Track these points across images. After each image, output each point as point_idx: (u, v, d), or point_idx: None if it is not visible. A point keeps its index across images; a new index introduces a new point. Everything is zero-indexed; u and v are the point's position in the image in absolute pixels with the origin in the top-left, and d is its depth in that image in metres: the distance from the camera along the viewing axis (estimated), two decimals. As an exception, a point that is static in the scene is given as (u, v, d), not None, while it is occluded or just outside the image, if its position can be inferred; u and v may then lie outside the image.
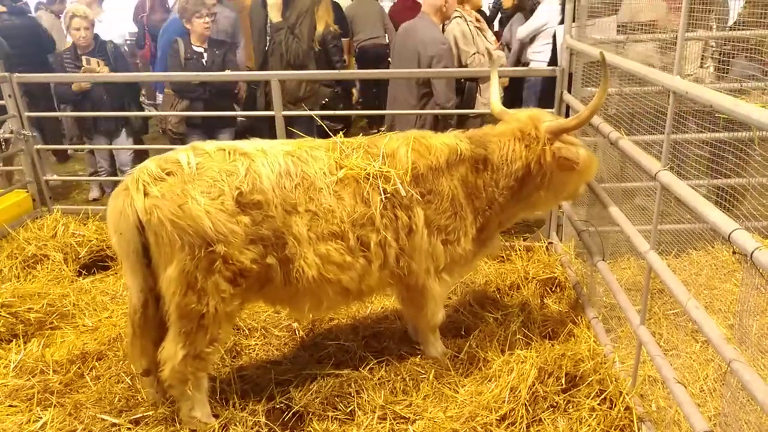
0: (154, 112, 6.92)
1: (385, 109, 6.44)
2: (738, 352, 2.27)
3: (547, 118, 3.53)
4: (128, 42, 10.26)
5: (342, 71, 6.73)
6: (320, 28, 6.62)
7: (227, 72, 6.42)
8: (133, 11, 9.85)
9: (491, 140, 3.48)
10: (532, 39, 8.10)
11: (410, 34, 5.66)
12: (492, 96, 3.84)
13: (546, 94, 7.92)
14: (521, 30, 8.12)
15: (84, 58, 6.63)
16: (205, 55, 6.63)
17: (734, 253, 4.41)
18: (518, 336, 3.83)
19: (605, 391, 3.19)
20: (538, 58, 8.04)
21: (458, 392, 3.42)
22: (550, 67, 5.05)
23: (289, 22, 6.43)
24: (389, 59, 8.19)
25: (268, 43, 6.68)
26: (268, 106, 6.54)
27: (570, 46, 4.66)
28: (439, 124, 5.52)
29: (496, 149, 3.45)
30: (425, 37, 5.47)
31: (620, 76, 3.89)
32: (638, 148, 3.26)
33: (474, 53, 5.80)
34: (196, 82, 6.38)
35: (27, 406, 3.46)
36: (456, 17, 5.88)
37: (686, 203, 2.60)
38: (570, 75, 4.80)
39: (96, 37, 6.95)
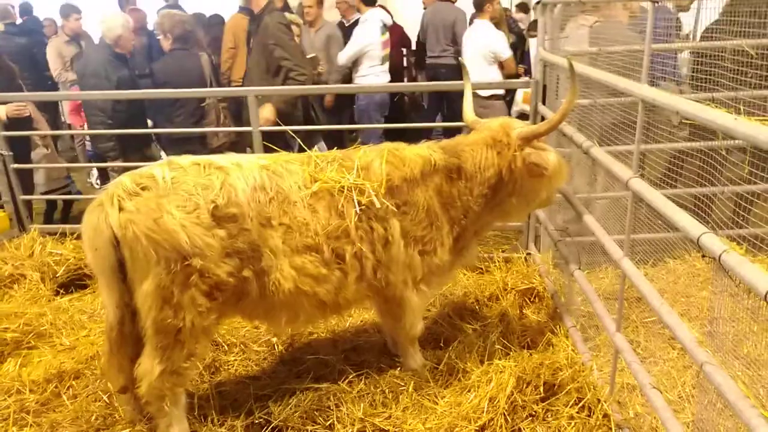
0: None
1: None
2: (710, 355, 2.30)
3: (518, 125, 3.57)
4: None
5: (318, 86, 6.74)
6: None
7: (207, 89, 6.43)
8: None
9: (464, 149, 3.51)
10: (355, 63, 7.91)
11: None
12: (465, 106, 3.88)
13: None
14: (341, 56, 7.90)
15: None
16: None
17: (704, 256, 4.46)
18: (497, 346, 3.84)
19: (583, 398, 3.20)
20: (364, 81, 7.92)
21: (438, 403, 3.41)
22: (524, 80, 5.11)
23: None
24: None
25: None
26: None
27: (543, 59, 4.73)
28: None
29: (469, 158, 3.47)
30: None
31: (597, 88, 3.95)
32: (610, 157, 3.31)
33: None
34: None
35: (2, 426, 3.40)
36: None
37: (657, 209, 2.63)
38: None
39: None
